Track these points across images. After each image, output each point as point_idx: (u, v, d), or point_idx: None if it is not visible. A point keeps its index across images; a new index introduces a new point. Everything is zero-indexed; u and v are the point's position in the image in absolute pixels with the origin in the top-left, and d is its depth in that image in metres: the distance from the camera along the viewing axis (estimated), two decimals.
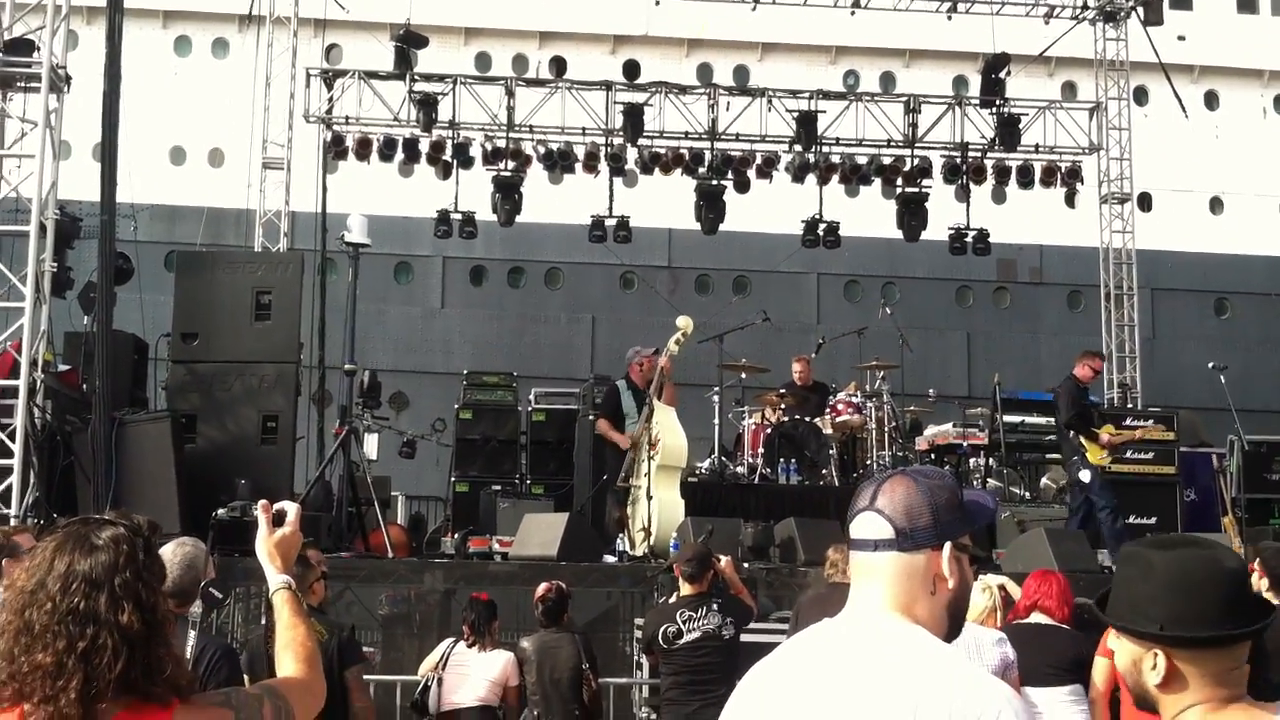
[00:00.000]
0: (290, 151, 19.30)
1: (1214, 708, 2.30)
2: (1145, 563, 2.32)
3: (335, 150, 18.58)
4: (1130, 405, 18.07)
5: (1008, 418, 14.72)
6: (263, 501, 3.25)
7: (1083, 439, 12.42)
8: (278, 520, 3.21)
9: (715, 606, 7.63)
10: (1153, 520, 13.08)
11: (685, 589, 7.73)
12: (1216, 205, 28.57)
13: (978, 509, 2.39)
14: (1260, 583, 6.92)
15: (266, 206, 19.33)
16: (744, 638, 8.19)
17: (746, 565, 10.78)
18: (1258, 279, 26.76)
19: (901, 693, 2.17)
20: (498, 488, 13.95)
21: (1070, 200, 19.54)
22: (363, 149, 18.53)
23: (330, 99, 18.90)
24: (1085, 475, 12.50)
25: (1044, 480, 15.47)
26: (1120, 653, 2.39)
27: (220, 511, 9.56)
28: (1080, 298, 26.01)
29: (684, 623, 7.56)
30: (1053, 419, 15.55)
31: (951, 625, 2.34)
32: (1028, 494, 15.36)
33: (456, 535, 12.79)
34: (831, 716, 2.23)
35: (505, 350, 24.36)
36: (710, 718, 7.21)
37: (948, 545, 2.32)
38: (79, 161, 23.51)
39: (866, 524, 2.37)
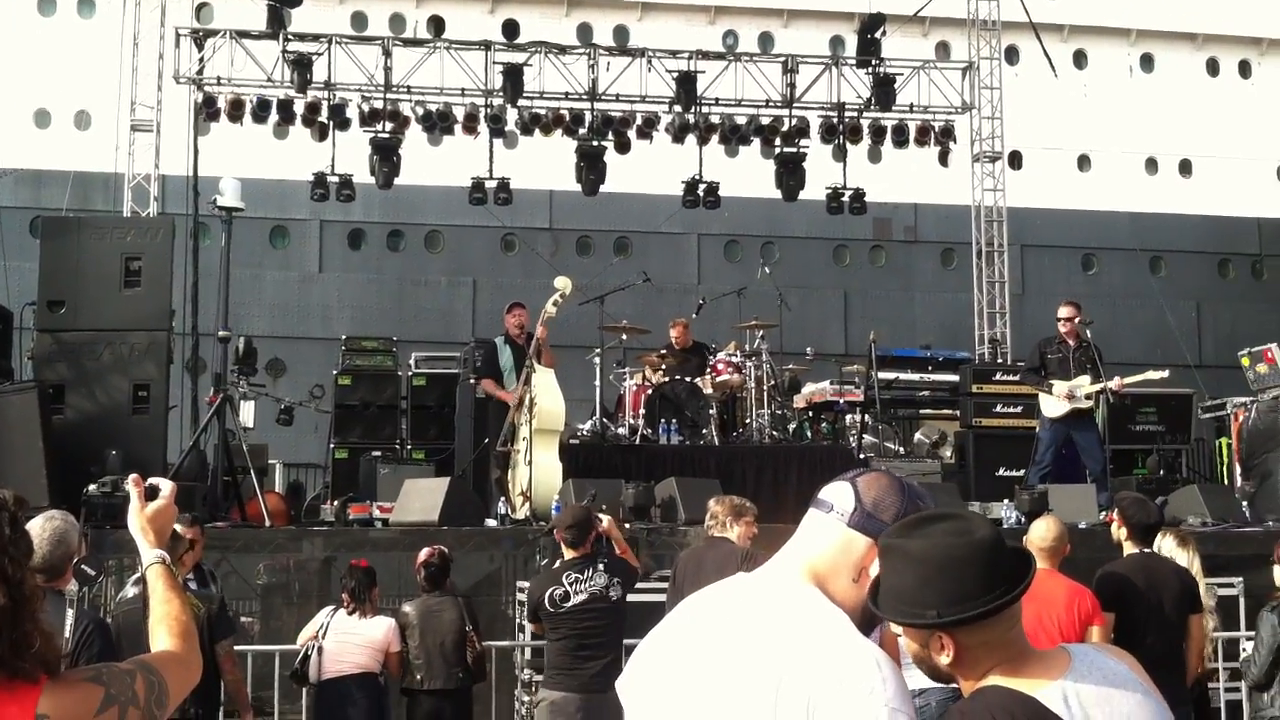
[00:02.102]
0: (160, 113, 18.85)
1: (1009, 669, 2.38)
2: (903, 553, 2.36)
3: (207, 112, 18.20)
4: (1000, 360, 18.53)
5: (883, 374, 15.01)
6: (134, 476, 3.21)
7: (1039, 392, 12.75)
8: (150, 495, 3.18)
9: (601, 567, 7.56)
10: (1020, 472, 13.45)
11: (569, 553, 7.63)
12: (1084, 163, 29.25)
13: None
14: (1119, 532, 7.18)
15: (135, 170, 18.87)
16: (627, 597, 8.27)
17: (628, 525, 10.87)
18: (1122, 235, 27.49)
19: (775, 651, 2.22)
20: (378, 454, 13.86)
21: (943, 159, 19.85)
22: (235, 110, 18.17)
23: (201, 59, 18.48)
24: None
25: (917, 435, 15.82)
26: (907, 641, 2.45)
27: (91, 488, 9.37)
28: (953, 255, 26.48)
29: (570, 585, 7.46)
30: (925, 374, 15.94)
31: (860, 622, 2.36)
32: (902, 449, 15.70)
33: (336, 502, 12.71)
34: (703, 669, 2.29)
35: (385, 315, 24.10)
36: (599, 685, 7.18)
37: None
38: None
39: (835, 490, 2.43)
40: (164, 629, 2.98)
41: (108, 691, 2.58)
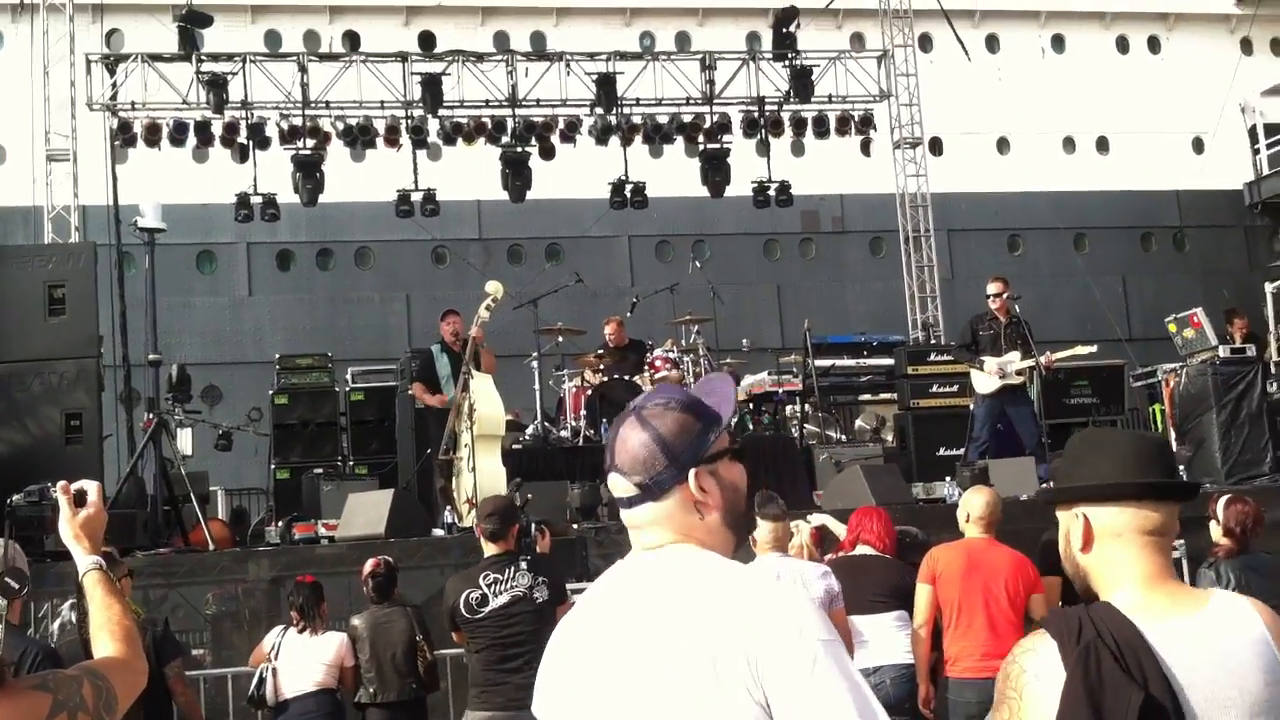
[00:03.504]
0: (75, 142, 18.56)
1: (1142, 589, 2.37)
2: (1070, 444, 2.50)
3: (123, 137, 17.96)
4: (933, 342, 18.70)
5: (819, 362, 15.10)
6: (61, 483, 3.16)
7: (971, 369, 12.86)
8: (79, 500, 3.12)
9: (524, 565, 6.71)
10: (958, 451, 13.56)
11: (489, 549, 6.80)
12: (1003, 145, 29.60)
13: (716, 411, 2.36)
14: None
15: (54, 201, 18.57)
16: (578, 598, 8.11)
17: (576, 526, 10.88)
18: (1045, 215, 27.84)
19: (694, 625, 2.17)
20: (320, 471, 13.69)
21: (865, 148, 20.04)
22: (152, 135, 17.95)
23: (114, 85, 18.26)
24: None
25: (858, 421, 15.93)
26: (1060, 540, 2.49)
27: (15, 498, 9.12)
28: (882, 243, 26.69)
29: (489, 587, 6.61)
30: (861, 360, 16.05)
31: (734, 534, 2.33)
32: (843, 436, 15.78)
33: (280, 523, 12.57)
34: (626, 669, 2.23)
35: (319, 335, 23.82)
36: (526, 699, 6.82)
37: (692, 473, 2.30)
38: None
39: (615, 484, 2.38)
40: (106, 634, 2.94)
41: (55, 698, 2.55)
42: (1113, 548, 2.40)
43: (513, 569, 6.65)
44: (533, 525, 7.59)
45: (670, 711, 2.15)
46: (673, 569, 2.27)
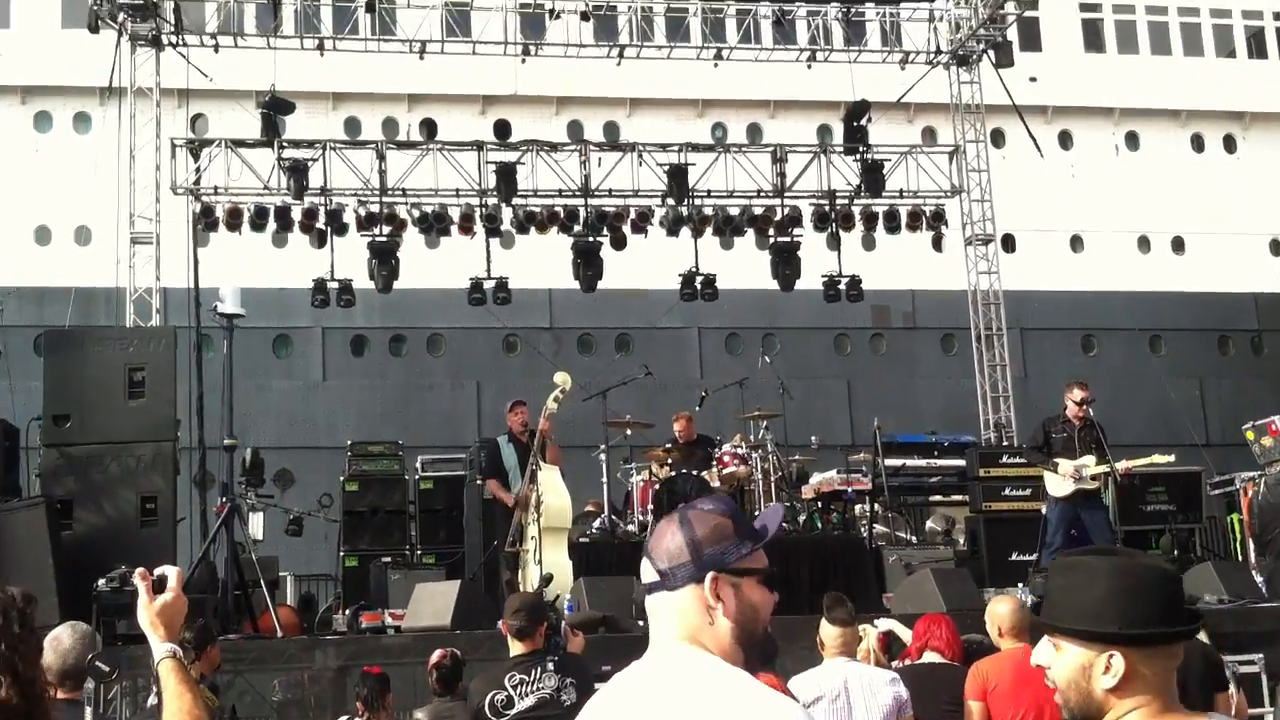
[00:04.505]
0: (159, 225, 18.92)
1: (1153, 712, 2.41)
2: (1088, 569, 2.45)
3: (205, 221, 18.31)
4: (1005, 444, 18.44)
5: (889, 461, 14.95)
6: (140, 569, 3.17)
7: (1044, 472, 12.67)
8: (158, 587, 3.13)
9: (551, 666, 6.39)
10: (1032, 555, 13.33)
11: (515, 647, 6.46)
12: (1077, 244, 29.44)
13: (760, 529, 2.47)
14: None
15: (137, 283, 18.92)
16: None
17: (641, 623, 10.78)
18: (1120, 315, 27.58)
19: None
20: (388, 559, 13.70)
21: (937, 244, 19.98)
22: (233, 219, 18.29)
23: (198, 169, 18.66)
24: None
25: (929, 523, 15.72)
26: (1063, 664, 2.50)
27: (100, 582, 9.21)
28: (953, 340, 26.54)
29: (514, 688, 6.30)
30: (932, 460, 15.89)
31: (747, 651, 2.40)
32: (914, 537, 15.58)
33: (348, 611, 12.59)
34: None
35: (390, 420, 24.08)
36: None
37: (709, 576, 2.38)
38: None
39: (644, 568, 2.48)
40: None
41: None
42: (1140, 683, 2.44)
43: (539, 670, 6.36)
44: (562, 624, 7.31)
45: None
46: (672, 674, 2.35)
